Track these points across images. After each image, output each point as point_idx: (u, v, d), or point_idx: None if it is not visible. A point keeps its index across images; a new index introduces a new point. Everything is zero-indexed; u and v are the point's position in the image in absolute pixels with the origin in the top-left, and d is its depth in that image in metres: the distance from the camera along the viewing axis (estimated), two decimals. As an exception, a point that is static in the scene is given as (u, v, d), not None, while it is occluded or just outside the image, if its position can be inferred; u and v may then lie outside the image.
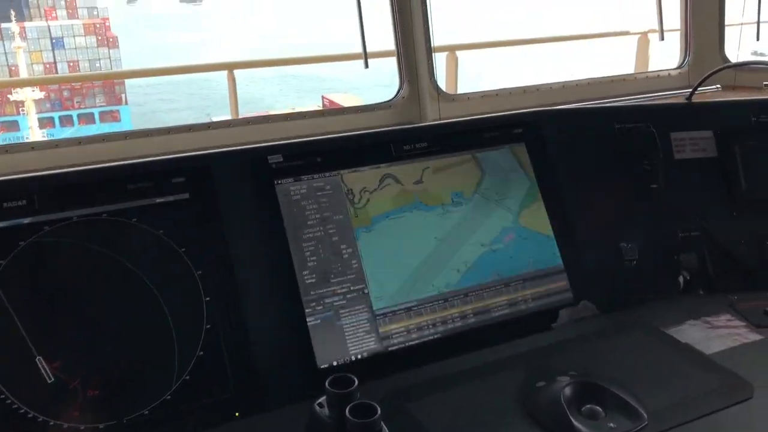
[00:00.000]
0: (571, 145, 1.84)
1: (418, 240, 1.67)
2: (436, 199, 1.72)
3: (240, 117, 3.28)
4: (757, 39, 3.84)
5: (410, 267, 1.64)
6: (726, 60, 3.72)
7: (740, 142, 1.84)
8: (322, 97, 20.04)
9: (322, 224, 1.61)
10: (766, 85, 3.40)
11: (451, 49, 5.30)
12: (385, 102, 3.34)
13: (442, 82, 3.36)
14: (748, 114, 1.86)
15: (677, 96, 3.47)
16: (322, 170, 1.65)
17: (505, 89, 3.53)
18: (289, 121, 3.13)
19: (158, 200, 1.53)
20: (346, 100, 19.35)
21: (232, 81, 5.17)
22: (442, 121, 1.86)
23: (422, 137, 1.75)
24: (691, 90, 1.96)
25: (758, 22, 3.76)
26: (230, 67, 5.37)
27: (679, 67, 3.77)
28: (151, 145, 2.93)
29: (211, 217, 1.55)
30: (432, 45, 3.27)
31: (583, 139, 1.85)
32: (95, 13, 32.43)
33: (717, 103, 1.94)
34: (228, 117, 6.34)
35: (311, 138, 1.67)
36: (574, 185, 1.80)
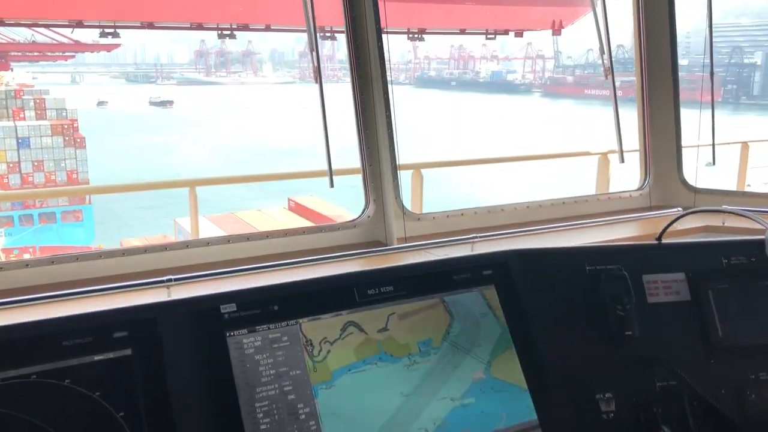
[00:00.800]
0: (542, 287, 1.77)
1: (383, 396, 1.53)
2: (402, 348, 1.60)
3: (200, 237, 3.18)
4: (713, 162, 3.97)
5: (373, 428, 1.50)
6: (684, 182, 3.81)
7: (713, 286, 1.79)
8: (289, 200, 20.07)
9: (277, 381, 1.47)
10: (726, 209, 3.45)
11: (417, 167, 5.35)
12: (349, 221, 3.29)
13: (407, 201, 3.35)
14: (720, 256, 1.83)
15: (640, 219, 3.52)
16: (279, 319, 1.53)
17: (469, 209, 3.53)
18: (250, 242, 3.05)
19: (97, 358, 1.38)
20: (312, 202, 19.42)
21: (194, 198, 5.09)
22: (408, 263, 1.78)
23: (388, 280, 1.65)
24: (660, 225, 1.93)
25: (713, 145, 3.89)
26: (192, 183, 5.31)
27: (639, 189, 3.84)
28: (104, 267, 2.80)
29: (155, 375, 1.40)
30: (397, 164, 3.27)
31: (554, 281, 1.79)
32: (64, 114, 32.58)
33: (687, 245, 1.91)
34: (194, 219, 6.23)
35: (269, 284, 1.56)
36: (547, 331, 1.71)
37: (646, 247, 1.87)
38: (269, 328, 1.51)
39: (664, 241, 1.90)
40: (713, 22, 3.68)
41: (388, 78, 3.17)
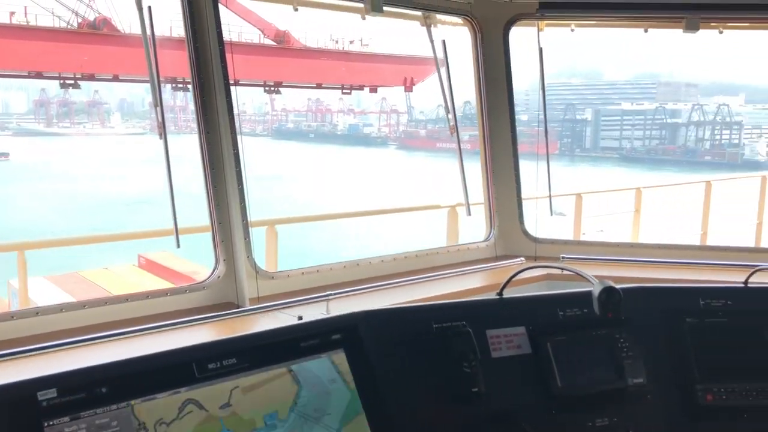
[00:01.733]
0: (391, 348, 1.75)
1: (226, 479, 1.44)
2: (247, 424, 1.51)
3: (30, 307, 2.90)
4: (551, 213, 4.25)
5: None
6: (526, 233, 4.04)
7: (551, 338, 1.87)
8: (139, 256, 18.89)
9: (105, 473, 1.33)
10: (563, 257, 3.69)
11: (271, 224, 5.23)
12: (198, 282, 3.13)
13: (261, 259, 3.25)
14: (556, 309, 1.92)
15: (486, 270, 3.67)
16: (108, 402, 1.39)
17: (325, 265, 3.50)
18: (87, 309, 2.80)
19: None
20: (165, 257, 18.41)
21: (23, 264, 4.63)
22: (251, 333, 1.71)
23: (230, 352, 1.56)
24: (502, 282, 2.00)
25: (550, 197, 4.18)
26: (21, 247, 4.84)
27: (486, 240, 4.02)
28: None
29: None
30: (249, 221, 3.18)
31: (402, 340, 1.78)
32: None
33: (526, 299, 1.99)
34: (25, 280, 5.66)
35: (94, 364, 1.41)
36: (397, 394, 1.69)
37: (488, 302, 1.92)
38: (96, 413, 1.37)
39: (506, 294, 1.96)
40: (546, 83, 3.99)
41: (242, 130, 3.10)
